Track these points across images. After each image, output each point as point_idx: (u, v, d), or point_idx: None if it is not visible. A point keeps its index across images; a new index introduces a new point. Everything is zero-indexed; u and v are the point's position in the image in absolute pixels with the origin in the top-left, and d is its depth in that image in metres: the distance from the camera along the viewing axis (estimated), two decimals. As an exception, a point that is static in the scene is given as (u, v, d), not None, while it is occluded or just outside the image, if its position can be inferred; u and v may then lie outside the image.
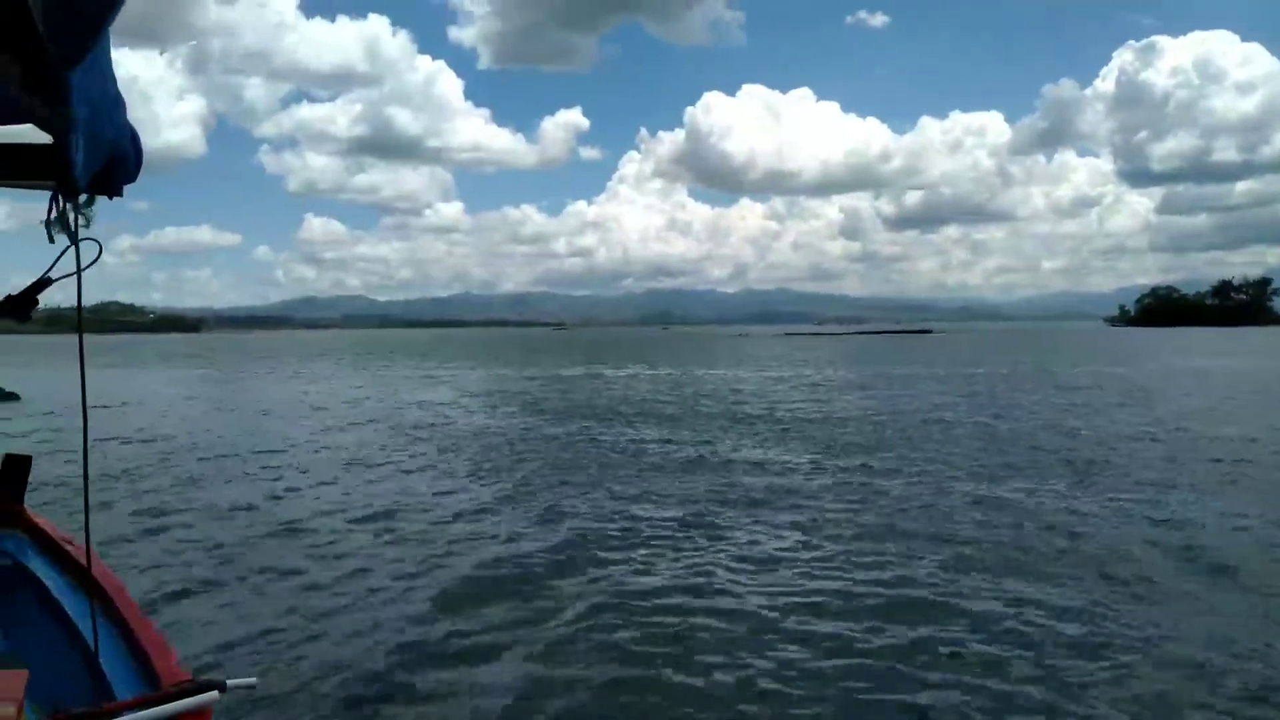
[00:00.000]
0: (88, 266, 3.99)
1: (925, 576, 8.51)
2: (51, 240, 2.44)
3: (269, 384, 41.88)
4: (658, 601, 7.88)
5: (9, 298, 4.42)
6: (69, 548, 3.95)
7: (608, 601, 7.87)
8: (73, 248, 3.90)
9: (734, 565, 9.01)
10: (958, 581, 8.35)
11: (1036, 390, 31.77)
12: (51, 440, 18.88)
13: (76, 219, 1.16)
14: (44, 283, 4.29)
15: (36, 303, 4.50)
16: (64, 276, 4.14)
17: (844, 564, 9.00)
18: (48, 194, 2.42)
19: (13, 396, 30.90)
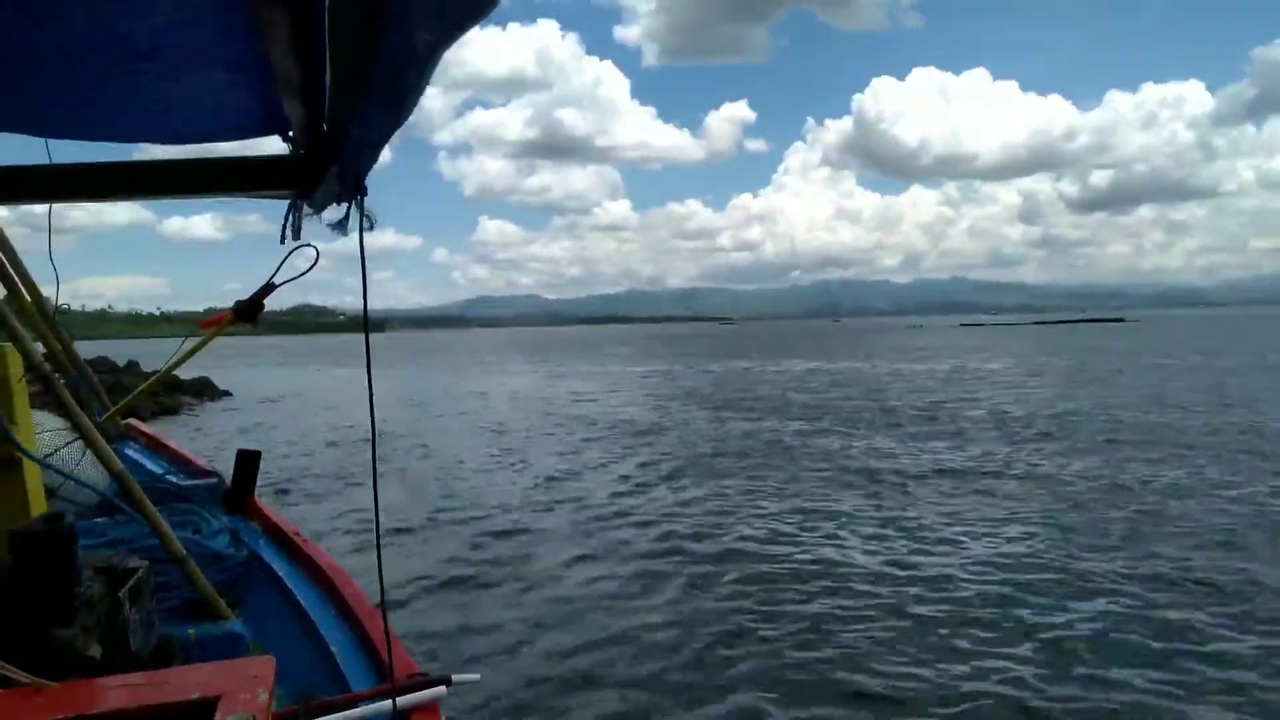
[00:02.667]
0: (307, 271, 4.18)
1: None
2: (283, 241, 2.56)
3: (463, 379, 43.39)
4: (871, 600, 7.70)
5: (238, 303, 4.73)
6: (297, 539, 4.17)
7: (821, 608, 7.72)
8: (294, 252, 4.09)
9: (945, 568, 8.68)
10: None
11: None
12: (251, 433, 20.33)
13: (362, 221, 1.16)
14: (269, 288, 4.57)
15: (263, 307, 4.78)
16: (286, 281, 4.38)
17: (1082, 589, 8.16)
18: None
19: (226, 393, 33.59)
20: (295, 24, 1.12)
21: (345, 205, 2.00)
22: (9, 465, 3.27)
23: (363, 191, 1.17)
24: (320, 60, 1.35)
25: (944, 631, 6.89)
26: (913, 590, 7.91)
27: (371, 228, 1.17)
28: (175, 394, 29.31)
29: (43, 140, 2.61)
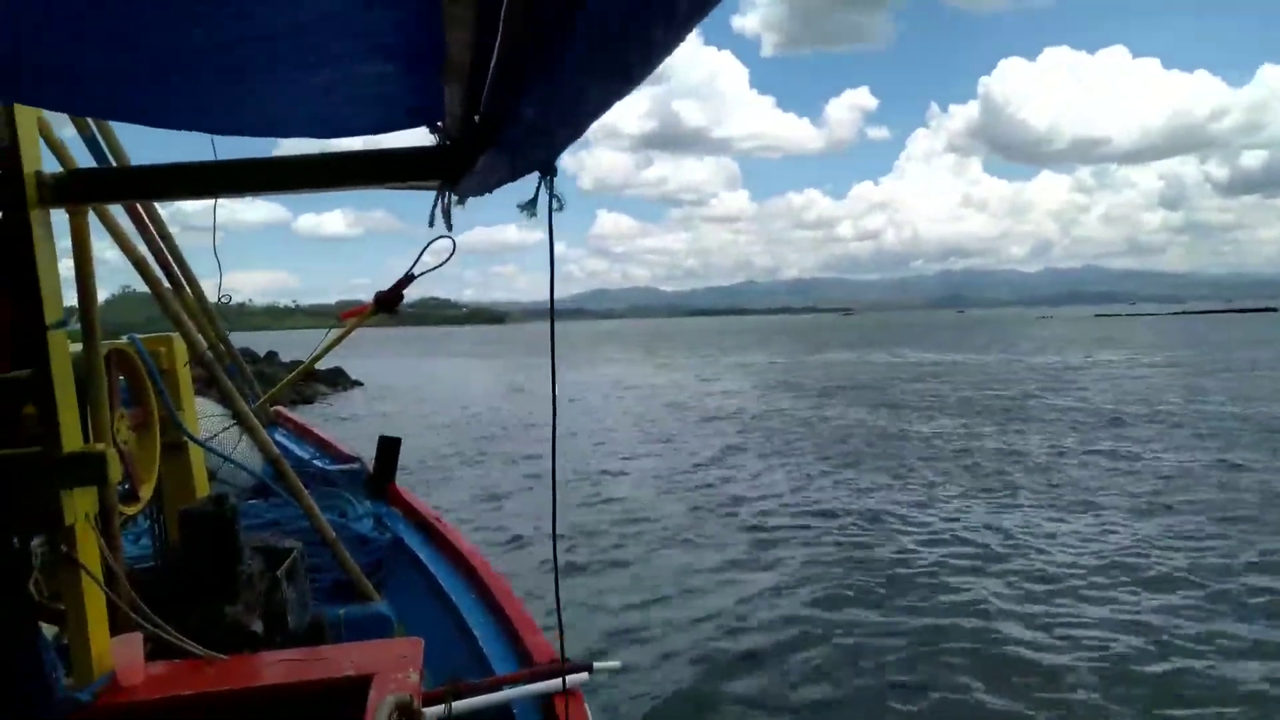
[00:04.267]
0: (445, 262, 4.26)
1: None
2: (431, 224, 2.61)
3: (582, 371, 43.76)
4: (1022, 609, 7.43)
5: (379, 295, 4.87)
6: (437, 524, 4.28)
7: (965, 617, 7.42)
8: (430, 245, 4.17)
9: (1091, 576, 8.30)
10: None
11: None
12: (382, 421, 21.06)
13: (551, 202, 1.15)
14: (408, 279, 4.69)
15: (402, 298, 4.91)
16: (425, 272, 4.48)
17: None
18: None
19: (358, 383, 34.94)
20: (481, 3, 1.11)
21: (493, 187, 1.99)
22: (176, 449, 3.46)
23: (552, 172, 1.15)
24: (490, 42, 1.34)
25: (1102, 665, 6.54)
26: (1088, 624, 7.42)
27: (561, 208, 1.16)
28: (312, 383, 30.65)
29: (209, 137, 2.73)
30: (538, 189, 1.17)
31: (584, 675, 2.77)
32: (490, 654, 3.06)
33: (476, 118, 2.03)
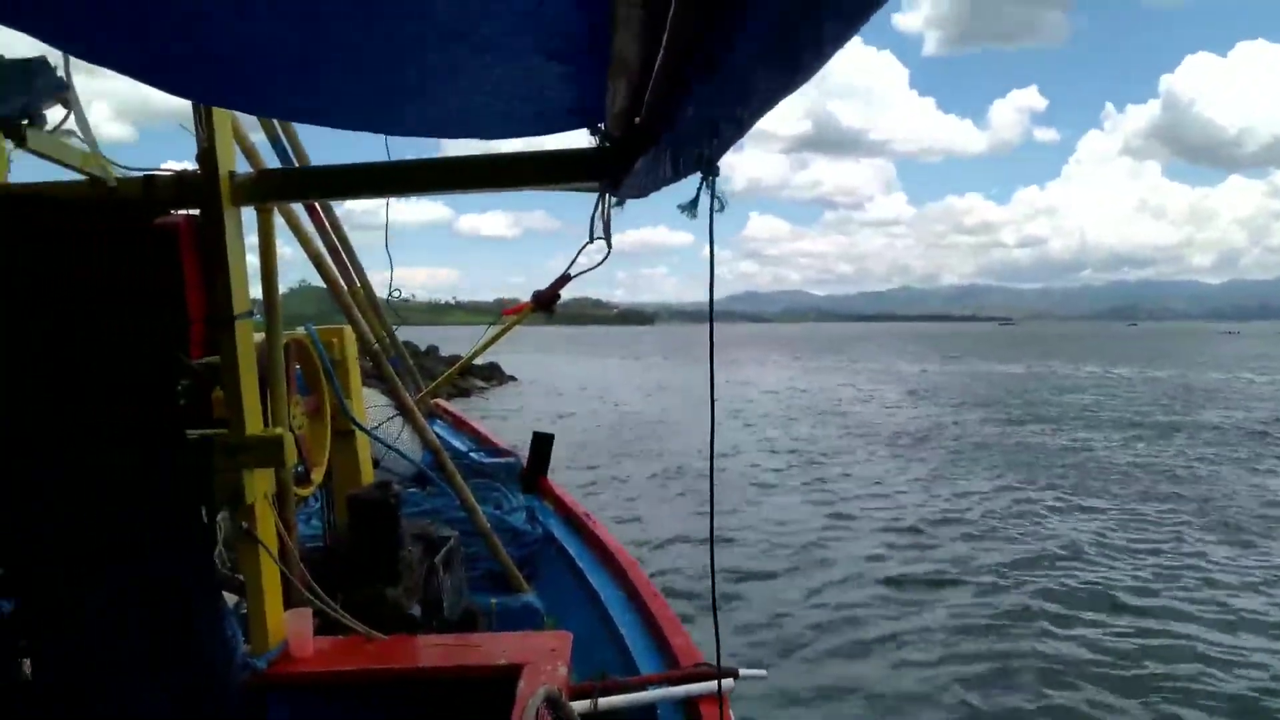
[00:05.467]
0: (600, 263, 4.31)
1: None
2: (592, 240, 2.64)
3: (739, 374, 43.56)
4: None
5: (536, 293, 4.99)
6: (587, 520, 4.35)
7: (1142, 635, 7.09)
8: (590, 243, 4.24)
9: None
10: None
11: None
12: (536, 417, 21.55)
13: (713, 203, 1.14)
14: (564, 279, 4.78)
15: (559, 297, 5.01)
16: (581, 273, 4.56)
17: None
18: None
19: (512, 378, 36.00)
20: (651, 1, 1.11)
21: (658, 185, 1.99)
22: (345, 436, 3.65)
23: (715, 172, 1.14)
24: (656, 40, 1.34)
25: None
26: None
27: (723, 209, 1.14)
28: (468, 377, 31.78)
29: (383, 139, 2.86)
30: (699, 189, 1.16)
31: (730, 681, 2.74)
32: (636, 652, 3.08)
33: (637, 119, 2.04)
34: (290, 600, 2.69)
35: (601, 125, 2.49)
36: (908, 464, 15.46)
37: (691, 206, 1.18)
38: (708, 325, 1.40)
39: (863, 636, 6.91)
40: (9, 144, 2.36)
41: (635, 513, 11.44)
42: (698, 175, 1.15)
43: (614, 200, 2.62)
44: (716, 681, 2.58)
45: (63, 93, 2.29)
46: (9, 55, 2.29)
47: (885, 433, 19.88)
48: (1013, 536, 10.11)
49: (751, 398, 29.50)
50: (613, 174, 2.44)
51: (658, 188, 1.85)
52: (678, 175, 1.43)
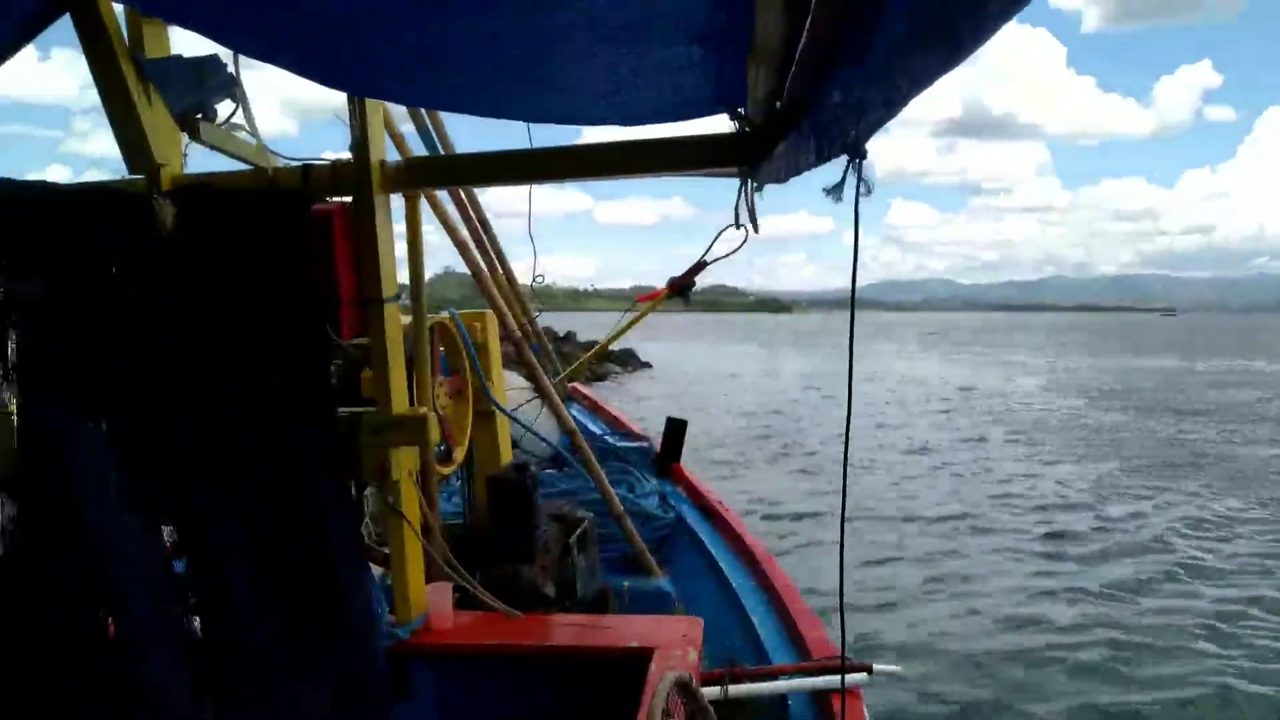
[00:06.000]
0: (736, 250, 4.27)
1: None
2: (738, 225, 2.61)
3: (879, 364, 42.53)
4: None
5: (672, 279, 4.99)
6: (720, 508, 4.34)
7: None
8: (730, 229, 4.19)
9: None
10: None
11: None
12: (670, 403, 21.61)
13: (859, 187, 1.10)
14: (700, 266, 4.76)
15: (694, 284, 5.00)
16: (716, 260, 4.53)
17: None
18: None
19: (646, 365, 36.29)
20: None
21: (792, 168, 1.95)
22: (486, 417, 3.75)
23: (862, 155, 1.10)
24: (800, 23, 1.31)
25: None
26: None
27: (869, 193, 1.11)
28: (605, 363, 32.22)
29: (526, 128, 2.92)
30: (844, 173, 1.12)
31: (863, 676, 2.69)
32: (767, 642, 3.05)
33: (779, 103, 2.01)
34: (431, 574, 2.79)
35: (742, 110, 2.47)
36: (1060, 461, 14.74)
37: (837, 190, 1.14)
38: (848, 313, 1.36)
39: (1005, 638, 6.64)
40: (184, 137, 2.52)
41: (766, 502, 11.33)
42: (843, 159, 1.12)
43: (755, 185, 2.59)
44: (840, 675, 2.54)
45: (232, 89, 2.43)
46: (187, 55, 2.44)
47: (1034, 428, 19.00)
48: (1174, 545, 9.50)
49: (892, 388, 28.78)
50: (753, 159, 2.41)
51: (799, 172, 1.81)
52: (821, 159, 1.40)
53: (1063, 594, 7.73)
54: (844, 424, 1.46)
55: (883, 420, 19.88)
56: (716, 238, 4.21)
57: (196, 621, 2.00)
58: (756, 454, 15.36)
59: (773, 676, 2.66)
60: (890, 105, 0.96)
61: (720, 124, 2.63)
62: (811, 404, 23.39)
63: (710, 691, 2.46)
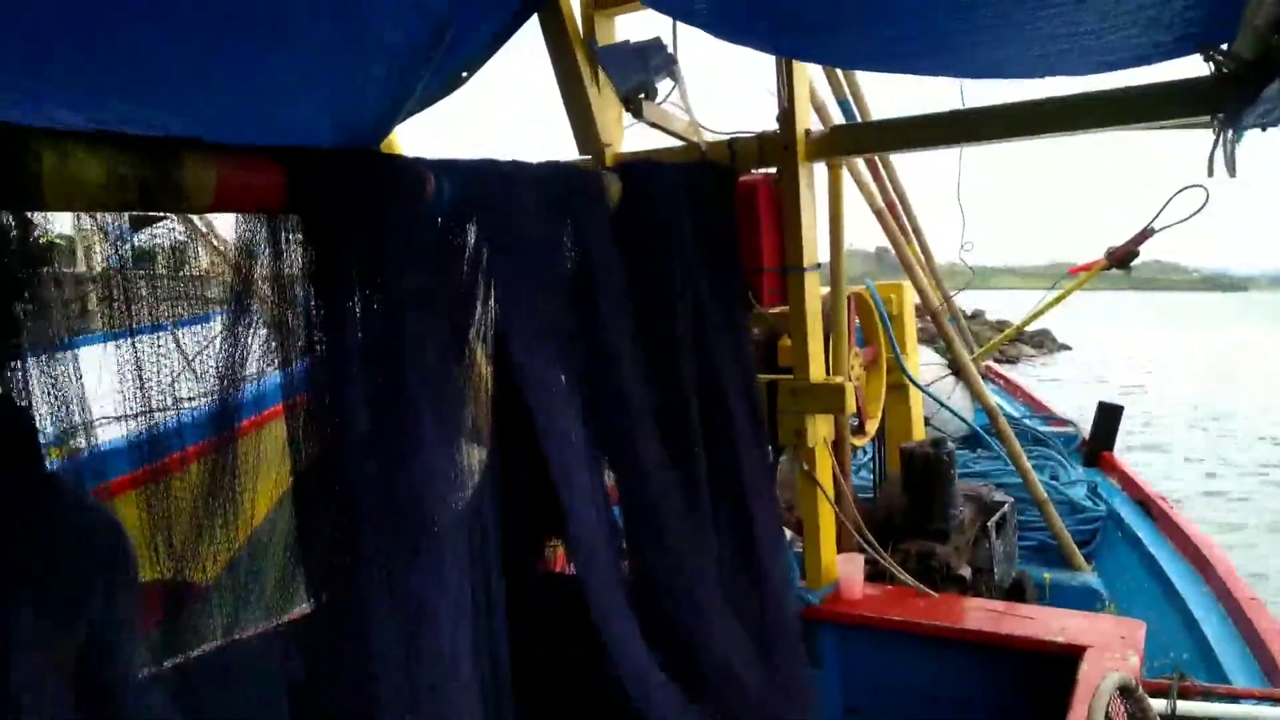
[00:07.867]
0: (1194, 214, 3.75)
1: None
2: (1210, 174, 2.27)
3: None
4: None
5: (1110, 250, 4.51)
6: (1161, 503, 3.88)
7: None
8: (1181, 191, 3.70)
9: None
10: None
11: None
12: (1089, 388, 19.60)
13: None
14: (1146, 234, 4.25)
15: (1137, 254, 4.49)
16: (1165, 227, 4.01)
17: None
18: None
19: (1065, 347, 33.40)
20: None
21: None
22: (898, 390, 3.68)
23: None
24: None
25: None
26: None
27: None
28: (1017, 344, 30.09)
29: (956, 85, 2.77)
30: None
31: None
32: (1224, 659, 2.67)
33: (1277, 36, 1.72)
34: (840, 544, 2.79)
35: (1221, 49, 2.14)
36: None
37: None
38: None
39: None
40: (627, 117, 2.73)
41: (1207, 504, 9.93)
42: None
43: (1234, 136, 2.24)
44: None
45: (672, 67, 2.58)
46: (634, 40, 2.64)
47: None
48: None
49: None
50: (1234, 104, 2.09)
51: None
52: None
53: None
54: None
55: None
56: (1169, 201, 3.72)
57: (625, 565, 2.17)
58: (1197, 447, 13.54)
59: (1235, 699, 2.31)
60: None
61: (1175, 70, 2.30)
62: (1267, 396, 20.01)
63: (1156, 704, 2.20)
